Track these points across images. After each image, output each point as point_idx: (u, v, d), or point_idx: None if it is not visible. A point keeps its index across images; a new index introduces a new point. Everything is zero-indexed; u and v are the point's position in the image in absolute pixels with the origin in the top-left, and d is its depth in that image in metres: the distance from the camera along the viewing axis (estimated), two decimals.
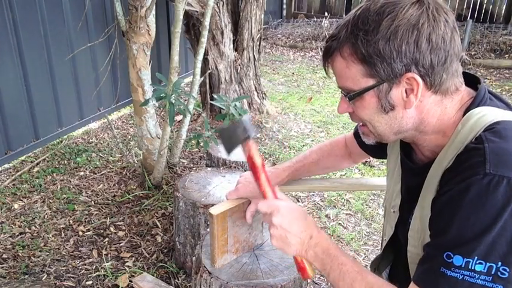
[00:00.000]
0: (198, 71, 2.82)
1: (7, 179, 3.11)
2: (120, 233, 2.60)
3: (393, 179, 1.16)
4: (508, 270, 0.75)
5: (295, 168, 1.42)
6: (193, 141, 3.56)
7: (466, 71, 0.97)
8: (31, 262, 2.33)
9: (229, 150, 1.25)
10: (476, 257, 0.76)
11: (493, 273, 0.75)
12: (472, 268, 0.76)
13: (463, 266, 0.77)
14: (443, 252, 0.80)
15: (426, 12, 0.82)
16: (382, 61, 0.85)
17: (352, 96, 0.91)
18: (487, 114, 0.86)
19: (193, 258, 1.54)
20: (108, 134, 3.95)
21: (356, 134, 1.31)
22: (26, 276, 2.23)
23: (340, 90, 0.95)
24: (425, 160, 0.99)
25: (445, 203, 0.82)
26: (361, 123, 0.99)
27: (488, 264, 0.76)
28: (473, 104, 0.90)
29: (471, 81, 0.96)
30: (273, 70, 6.29)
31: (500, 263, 0.75)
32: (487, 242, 0.75)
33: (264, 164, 1.16)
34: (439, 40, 0.83)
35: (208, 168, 2.43)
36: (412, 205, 1.01)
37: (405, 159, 1.06)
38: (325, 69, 0.97)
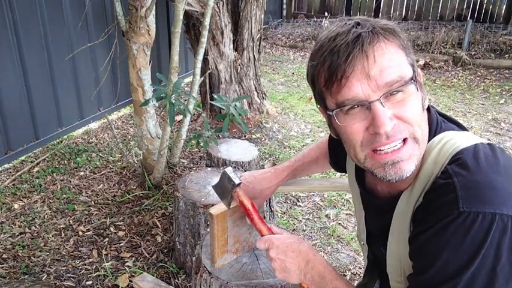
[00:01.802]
0: (198, 71, 2.82)
1: (7, 179, 3.11)
2: (120, 233, 2.60)
3: (356, 211, 1.15)
4: None
5: (295, 167, 1.42)
6: (193, 141, 3.56)
7: None
8: (31, 262, 2.33)
9: (226, 203, 1.29)
10: None
11: None
12: None
13: None
14: None
15: None
16: (411, 51, 0.85)
17: (415, 80, 0.82)
18: (448, 142, 0.84)
19: (193, 258, 1.54)
20: (108, 134, 3.95)
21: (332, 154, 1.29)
22: (26, 276, 2.23)
23: (379, 98, 0.80)
24: (387, 194, 0.96)
25: (422, 244, 0.81)
26: (398, 145, 0.82)
27: None
28: (431, 130, 0.88)
29: None
30: (273, 70, 6.29)
31: None
32: (467, 278, 0.75)
33: (254, 204, 1.20)
34: None
35: (208, 168, 2.43)
36: (380, 241, 1.00)
37: (365, 193, 1.03)
38: (338, 71, 0.80)
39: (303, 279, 1.04)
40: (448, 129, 0.88)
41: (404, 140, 0.82)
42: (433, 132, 0.88)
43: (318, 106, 0.92)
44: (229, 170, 1.23)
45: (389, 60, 0.79)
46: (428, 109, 0.92)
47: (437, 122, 0.90)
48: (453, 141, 0.83)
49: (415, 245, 0.84)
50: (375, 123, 0.80)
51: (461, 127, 0.92)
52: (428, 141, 0.87)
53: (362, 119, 0.82)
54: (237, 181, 1.20)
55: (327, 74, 0.82)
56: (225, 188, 1.25)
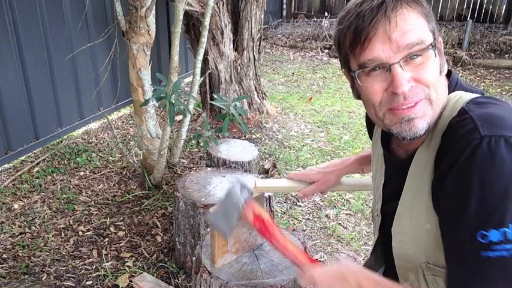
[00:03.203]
0: (198, 71, 2.82)
1: (7, 179, 3.11)
2: (120, 233, 2.60)
3: (375, 182, 1.15)
4: None
5: (361, 155, 1.37)
6: (193, 141, 3.56)
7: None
8: (31, 262, 2.33)
9: (230, 228, 1.14)
10: (510, 223, 0.71)
11: None
12: None
13: (502, 239, 0.72)
14: (475, 234, 0.74)
15: None
16: (432, 19, 0.89)
17: (434, 46, 0.87)
18: (463, 95, 0.89)
19: (193, 258, 1.54)
20: (108, 134, 3.95)
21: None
22: (26, 276, 2.23)
23: (398, 61, 0.84)
24: (408, 153, 0.98)
25: (453, 181, 0.79)
26: (414, 103, 0.86)
27: None
28: (449, 89, 0.93)
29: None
30: (273, 70, 6.29)
31: None
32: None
33: (272, 218, 1.09)
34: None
35: (208, 168, 2.43)
36: (395, 203, 1.00)
37: (388, 155, 1.06)
38: (361, 37, 0.85)
39: None
40: (466, 89, 0.93)
41: (420, 100, 0.87)
42: (451, 91, 0.93)
43: (343, 70, 0.98)
44: (237, 181, 1.13)
45: (411, 25, 0.84)
46: (450, 74, 0.97)
47: (457, 84, 0.95)
48: (468, 94, 0.89)
49: (443, 186, 0.82)
50: (394, 83, 0.85)
51: (481, 93, 0.95)
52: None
53: (382, 81, 0.87)
54: (248, 194, 1.08)
55: (352, 36, 0.87)
56: (232, 206, 1.09)
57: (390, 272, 1.13)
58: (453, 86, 0.94)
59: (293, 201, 3.00)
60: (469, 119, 0.80)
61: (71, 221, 2.69)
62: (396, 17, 0.84)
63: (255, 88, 4.37)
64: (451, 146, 0.82)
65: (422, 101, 0.86)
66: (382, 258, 1.16)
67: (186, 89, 4.78)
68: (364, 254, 2.50)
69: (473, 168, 0.75)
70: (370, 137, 1.30)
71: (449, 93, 0.92)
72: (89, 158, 3.45)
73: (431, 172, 0.88)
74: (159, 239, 2.55)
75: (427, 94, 0.86)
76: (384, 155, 1.08)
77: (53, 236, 2.55)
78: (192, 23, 3.91)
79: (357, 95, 0.98)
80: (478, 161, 0.75)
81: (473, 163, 0.75)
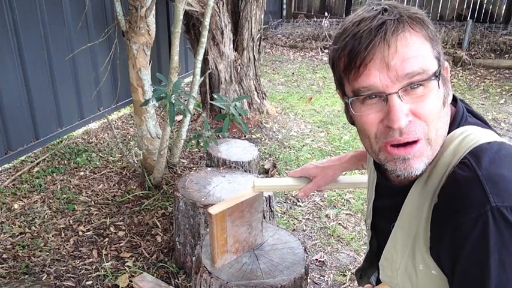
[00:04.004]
0: (198, 71, 2.82)
1: (7, 179, 3.11)
2: (120, 233, 2.60)
3: (368, 194, 1.13)
4: None
5: (359, 152, 1.33)
6: (193, 141, 3.56)
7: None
8: (31, 262, 2.33)
9: None
10: None
11: None
12: None
13: None
14: None
15: None
16: (438, 43, 0.81)
17: (438, 75, 0.78)
18: (469, 136, 0.81)
19: (193, 258, 1.54)
20: (108, 134, 3.95)
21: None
22: (26, 276, 2.23)
23: (397, 91, 0.77)
24: (401, 181, 0.92)
25: (468, 259, 0.74)
26: (411, 141, 0.80)
27: None
28: (454, 123, 0.86)
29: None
30: (273, 70, 6.29)
31: None
32: None
33: None
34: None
35: (208, 168, 2.43)
36: (384, 225, 0.97)
37: (381, 177, 1.00)
38: (356, 60, 0.77)
39: None
40: (473, 124, 0.85)
41: (417, 140, 0.80)
42: (456, 125, 0.85)
43: (337, 90, 0.91)
44: None
45: (413, 51, 0.76)
46: (456, 101, 0.90)
47: (463, 116, 0.87)
48: (474, 135, 0.81)
49: (449, 249, 0.77)
50: (390, 117, 0.78)
51: (486, 124, 0.89)
52: (450, 132, 0.85)
53: (378, 111, 0.80)
54: None
55: (347, 59, 0.80)
56: None
57: None
58: (459, 118, 0.86)
59: (293, 201, 3.00)
60: (477, 181, 0.72)
61: (71, 221, 2.69)
62: (397, 41, 0.76)
63: (255, 88, 4.37)
64: (455, 206, 0.75)
65: (421, 141, 0.80)
66: (376, 265, 1.17)
67: (186, 89, 4.78)
68: (364, 253, 2.50)
69: (490, 248, 0.71)
70: None
71: (453, 126, 0.85)
72: (89, 158, 3.45)
73: (427, 219, 0.83)
74: (159, 239, 2.55)
75: (426, 133, 0.79)
76: (377, 176, 1.03)
77: (53, 236, 2.55)
78: (192, 23, 3.91)
79: (351, 121, 0.92)
80: (495, 239, 0.70)
81: (489, 242, 0.70)
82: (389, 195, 0.98)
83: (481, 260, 0.72)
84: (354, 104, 0.83)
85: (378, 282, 1.18)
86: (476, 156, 0.76)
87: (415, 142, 0.80)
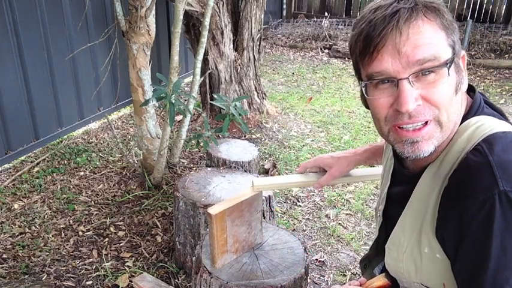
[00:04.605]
0: (198, 71, 2.82)
1: (7, 179, 3.11)
2: (120, 233, 2.60)
3: (382, 181, 1.14)
4: None
5: (374, 146, 1.33)
6: (193, 141, 3.56)
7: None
8: (31, 262, 2.33)
9: None
10: None
11: None
12: None
13: None
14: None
15: None
16: (454, 31, 0.83)
17: (451, 62, 0.80)
18: (484, 124, 0.83)
19: (193, 258, 1.54)
20: (108, 134, 3.95)
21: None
22: (26, 276, 2.23)
23: (407, 76, 0.79)
24: (416, 168, 0.95)
25: (467, 231, 0.77)
26: (421, 124, 0.82)
27: None
28: (470, 112, 0.88)
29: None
30: (273, 70, 6.29)
31: None
32: None
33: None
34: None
35: (208, 168, 2.43)
36: (396, 212, 0.99)
37: (398, 164, 1.02)
38: (370, 46, 0.80)
39: None
40: (489, 115, 0.87)
41: (427, 122, 0.82)
42: (472, 114, 0.87)
43: (356, 76, 0.95)
44: None
45: (425, 38, 0.78)
46: (473, 91, 0.92)
47: (479, 106, 0.89)
48: (489, 124, 0.83)
49: (455, 232, 0.79)
50: (399, 100, 0.80)
51: (504, 117, 0.90)
52: (465, 121, 0.86)
53: (389, 95, 0.83)
54: None
55: (362, 45, 0.83)
56: None
57: None
58: (475, 108, 0.88)
59: (293, 201, 3.00)
60: (487, 166, 0.74)
61: (71, 221, 2.69)
62: (409, 29, 0.78)
63: (255, 88, 4.37)
64: (465, 190, 0.77)
65: (431, 122, 0.82)
66: (382, 254, 1.17)
67: (186, 89, 4.78)
68: (364, 253, 2.50)
69: (494, 230, 0.73)
70: None
71: (469, 115, 0.87)
72: (89, 158, 3.45)
73: (436, 202, 0.84)
74: (159, 239, 2.55)
75: (436, 115, 0.81)
76: (394, 163, 1.05)
77: (53, 236, 2.55)
78: (192, 23, 3.91)
79: (365, 104, 0.95)
80: (499, 221, 0.72)
81: (493, 225, 0.72)
82: (404, 182, 1.00)
83: (483, 242, 0.74)
84: (367, 88, 0.87)
85: (382, 272, 1.18)
86: (489, 143, 0.78)
87: (425, 124, 0.82)
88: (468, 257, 0.78)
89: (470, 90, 0.94)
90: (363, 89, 0.87)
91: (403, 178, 1.01)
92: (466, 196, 0.76)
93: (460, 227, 0.78)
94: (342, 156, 1.30)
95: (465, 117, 0.87)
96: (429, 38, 0.79)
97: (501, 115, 0.90)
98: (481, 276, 0.75)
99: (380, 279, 1.09)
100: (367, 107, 0.95)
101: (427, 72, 0.80)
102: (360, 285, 1.15)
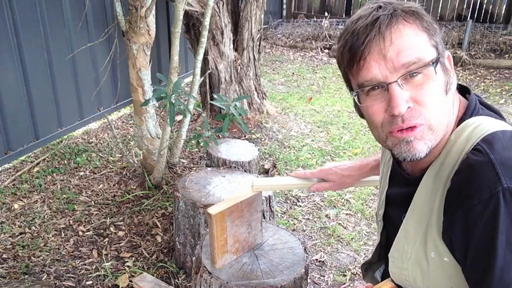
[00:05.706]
0: (198, 71, 2.82)
1: (7, 179, 3.11)
2: (120, 233, 2.60)
3: (381, 185, 1.14)
4: None
5: (379, 159, 1.33)
6: (193, 141, 3.56)
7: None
8: (31, 262, 2.33)
9: None
10: None
11: None
12: None
13: None
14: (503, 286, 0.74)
15: None
16: (435, 32, 0.85)
17: (436, 62, 0.82)
18: (482, 124, 0.83)
19: (193, 258, 1.54)
20: (108, 134, 3.95)
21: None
22: (26, 276, 2.23)
23: (396, 80, 0.81)
24: (414, 172, 0.95)
25: (473, 232, 0.77)
26: (412, 125, 0.84)
27: None
28: (466, 113, 0.88)
29: (460, 90, 0.95)
30: (273, 70, 6.29)
31: None
32: None
33: None
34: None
35: (208, 168, 2.43)
36: (396, 214, 0.98)
37: (397, 167, 1.02)
38: (357, 54, 0.82)
39: None
40: (485, 115, 0.88)
41: (418, 125, 0.83)
42: (468, 116, 0.88)
43: (347, 87, 0.97)
44: None
45: (407, 41, 0.81)
46: (469, 93, 0.93)
47: (475, 108, 0.90)
48: (486, 124, 0.84)
49: (462, 232, 0.79)
50: (391, 104, 0.82)
51: (500, 117, 0.91)
52: (462, 122, 0.87)
53: (381, 101, 0.85)
54: None
55: (348, 55, 0.85)
56: None
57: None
58: (471, 109, 0.89)
59: (293, 201, 3.00)
60: (489, 164, 0.75)
61: (71, 221, 2.69)
62: (391, 33, 0.81)
63: (255, 88, 4.37)
64: (468, 189, 0.77)
65: (422, 126, 0.83)
66: (384, 259, 1.16)
67: (186, 89, 4.78)
68: (364, 254, 2.50)
69: (499, 228, 0.73)
70: None
71: (466, 117, 0.87)
72: (89, 158, 3.45)
73: (440, 205, 0.84)
74: (159, 239, 2.55)
75: (427, 120, 0.83)
76: (393, 166, 1.05)
77: (53, 236, 2.55)
78: (192, 23, 3.91)
79: (360, 114, 0.96)
80: (504, 219, 0.73)
81: (498, 222, 0.73)
82: (402, 184, 1.00)
83: (489, 240, 0.74)
84: (360, 97, 0.89)
85: (384, 276, 1.18)
86: (489, 143, 0.78)
87: (416, 126, 0.83)
88: (476, 256, 0.78)
89: (466, 91, 0.94)
90: (355, 98, 0.89)
91: (402, 180, 1.01)
92: (470, 195, 0.76)
93: (466, 227, 0.78)
94: (347, 174, 1.30)
95: (462, 119, 0.88)
96: (412, 41, 0.81)
97: (498, 115, 0.91)
98: (488, 275, 0.75)
99: (387, 284, 1.08)
100: (361, 116, 0.96)
101: (415, 74, 0.81)
102: None
